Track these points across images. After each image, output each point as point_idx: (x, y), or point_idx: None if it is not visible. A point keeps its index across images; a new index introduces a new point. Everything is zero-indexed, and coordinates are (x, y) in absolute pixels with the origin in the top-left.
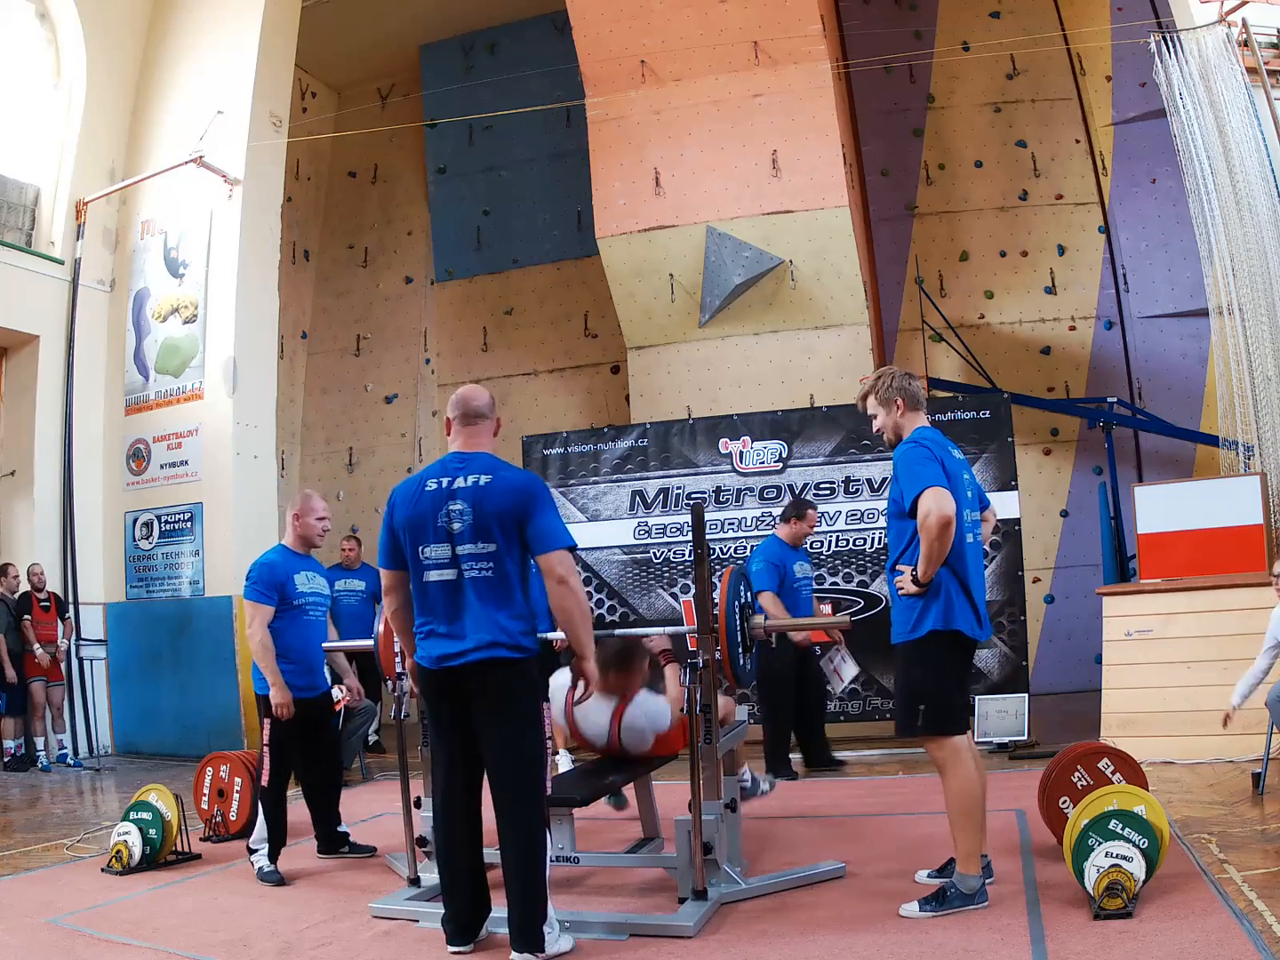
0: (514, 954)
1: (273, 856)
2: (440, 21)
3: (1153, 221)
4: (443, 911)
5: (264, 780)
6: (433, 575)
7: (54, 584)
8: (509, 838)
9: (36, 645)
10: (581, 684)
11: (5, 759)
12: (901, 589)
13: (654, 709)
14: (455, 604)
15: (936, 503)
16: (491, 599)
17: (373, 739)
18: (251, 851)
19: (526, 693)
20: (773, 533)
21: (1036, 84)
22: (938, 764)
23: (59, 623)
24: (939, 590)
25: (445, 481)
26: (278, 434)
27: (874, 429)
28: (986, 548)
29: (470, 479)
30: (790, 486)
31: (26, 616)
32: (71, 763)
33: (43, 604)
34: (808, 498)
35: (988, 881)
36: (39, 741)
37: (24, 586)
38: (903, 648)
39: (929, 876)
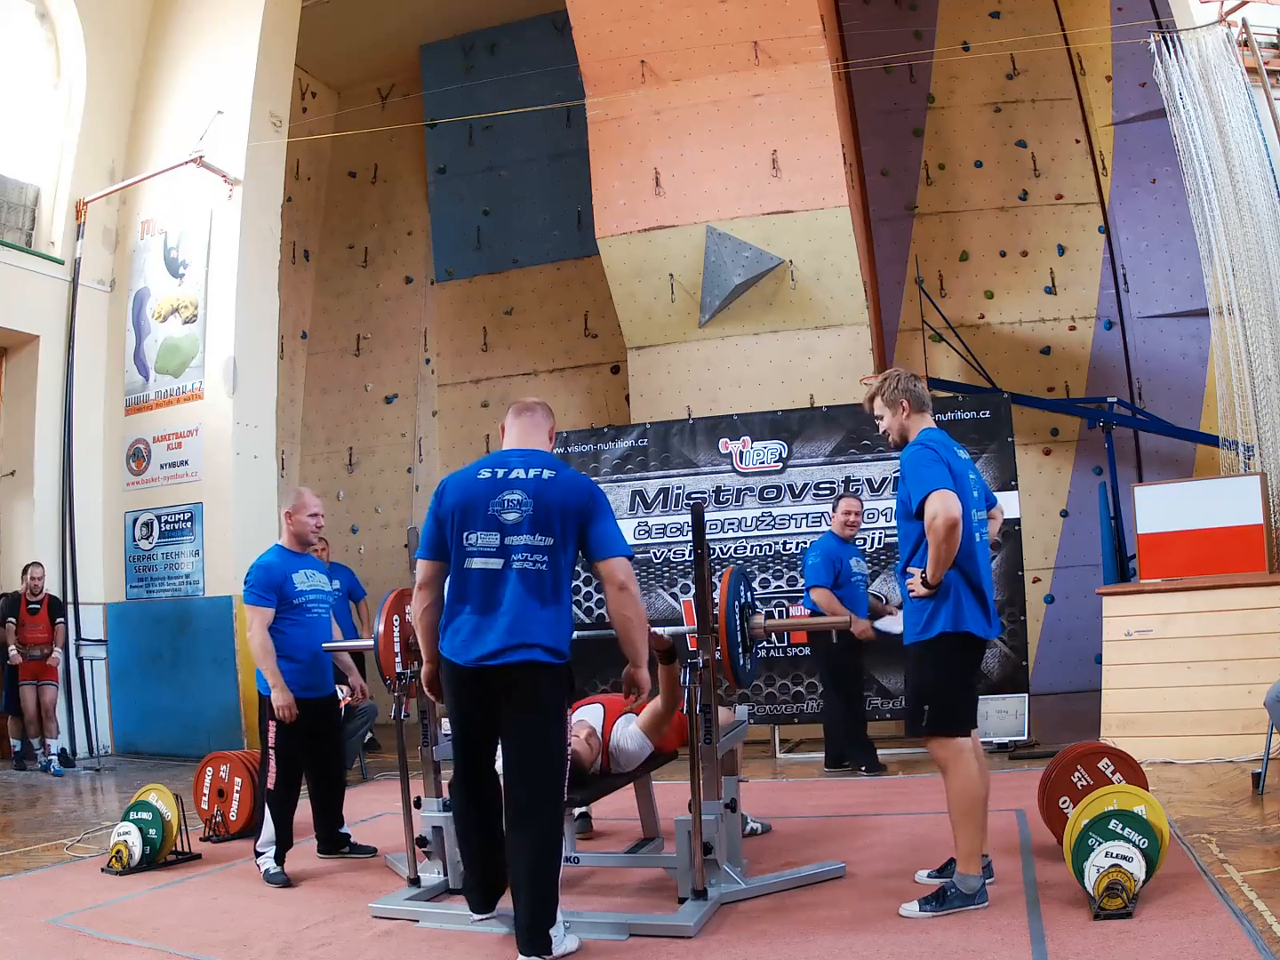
0: (520, 957)
1: (279, 859)
2: (440, 21)
3: (1153, 221)
4: (465, 883)
5: (270, 782)
6: (476, 563)
7: (53, 584)
8: (525, 839)
9: (12, 648)
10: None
11: (12, 755)
12: (912, 591)
13: (633, 750)
14: (495, 594)
15: (944, 505)
16: (538, 594)
17: (366, 737)
18: (258, 854)
19: (556, 695)
20: (828, 529)
21: (1036, 84)
22: (940, 764)
23: (51, 627)
24: (948, 592)
25: (501, 472)
26: (278, 434)
27: (880, 430)
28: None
29: (531, 472)
30: (790, 486)
31: (11, 620)
32: (54, 770)
33: (30, 607)
34: (849, 492)
35: (987, 881)
36: (34, 743)
37: (17, 586)
38: (913, 648)
39: (929, 876)
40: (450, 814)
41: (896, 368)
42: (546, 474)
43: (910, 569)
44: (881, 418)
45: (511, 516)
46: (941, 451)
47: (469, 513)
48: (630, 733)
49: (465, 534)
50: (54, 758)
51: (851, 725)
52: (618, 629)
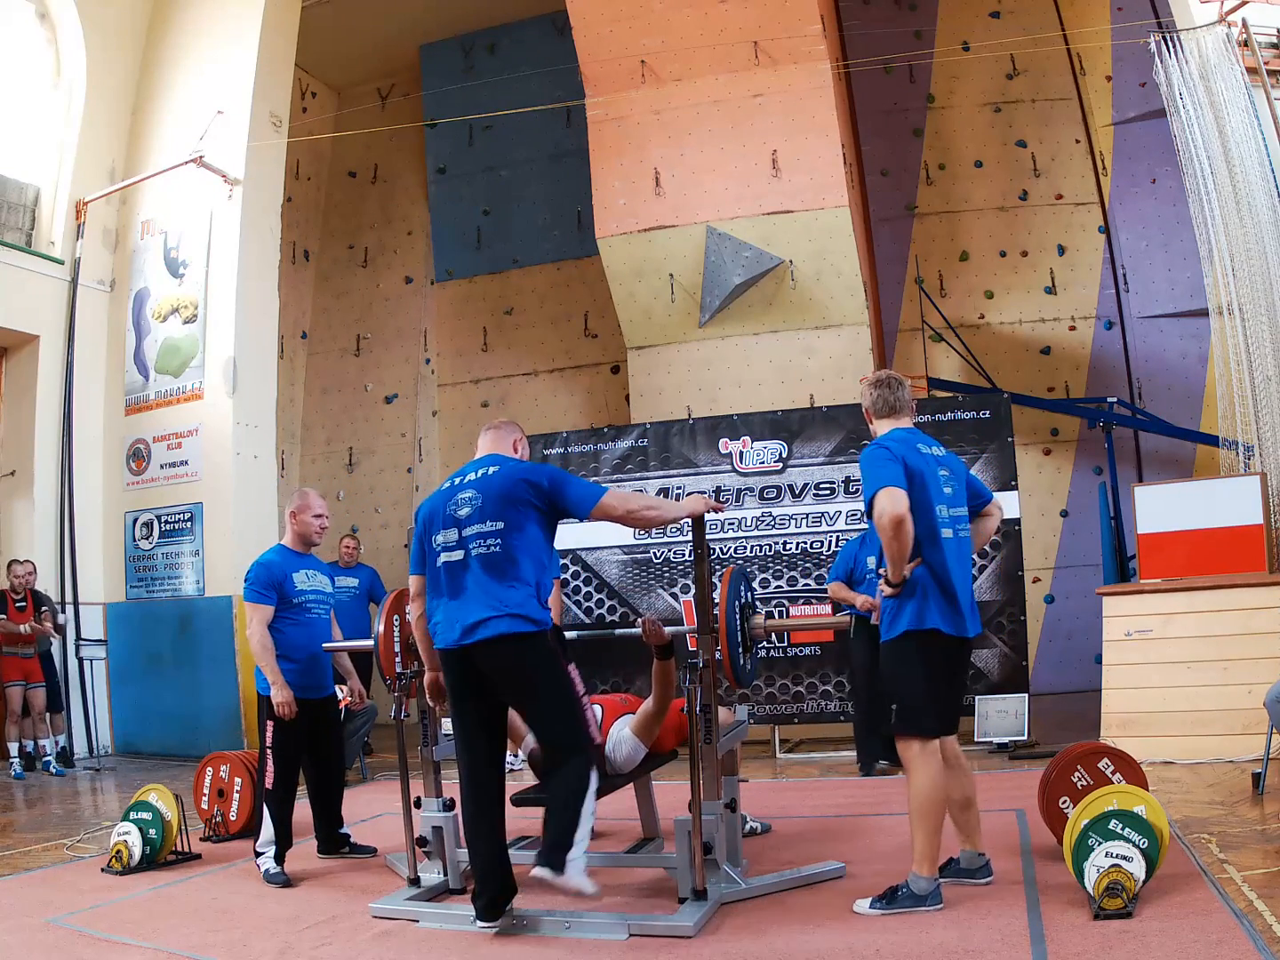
0: (535, 868)
1: (279, 859)
2: (440, 21)
3: (1153, 221)
4: (474, 889)
5: (267, 782)
6: (442, 558)
7: (52, 584)
8: (556, 778)
9: (23, 627)
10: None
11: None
12: (882, 590)
13: (626, 754)
14: (460, 581)
15: (890, 502)
16: (496, 572)
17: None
18: (258, 854)
19: (543, 662)
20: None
21: (1036, 84)
22: (904, 762)
23: (38, 621)
24: (914, 590)
25: (458, 479)
26: (278, 434)
27: None
28: (986, 547)
29: (480, 472)
30: (790, 486)
31: (1, 616)
32: (54, 770)
33: (18, 604)
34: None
35: (986, 882)
36: (13, 747)
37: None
38: (883, 647)
39: None
40: (449, 814)
41: (880, 371)
42: (492, 470)
43: (881, 570)
44: None
45: (464, 511)
46: (896, 449)
47: (434, 518)
48: (624, 737)
49: (433, 537)
50: (51, 758)
51: (856, 721)
52: (654, 527)
